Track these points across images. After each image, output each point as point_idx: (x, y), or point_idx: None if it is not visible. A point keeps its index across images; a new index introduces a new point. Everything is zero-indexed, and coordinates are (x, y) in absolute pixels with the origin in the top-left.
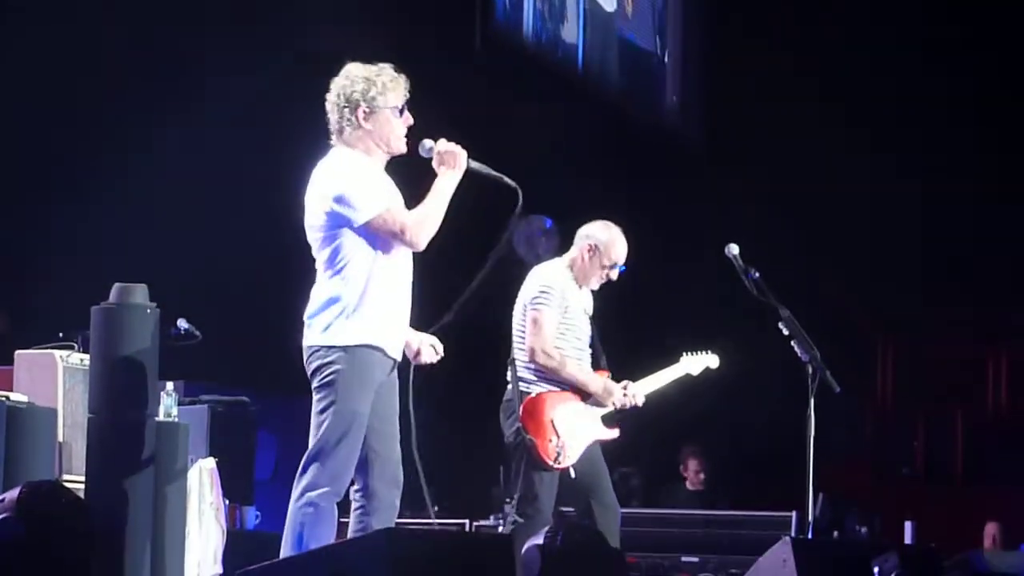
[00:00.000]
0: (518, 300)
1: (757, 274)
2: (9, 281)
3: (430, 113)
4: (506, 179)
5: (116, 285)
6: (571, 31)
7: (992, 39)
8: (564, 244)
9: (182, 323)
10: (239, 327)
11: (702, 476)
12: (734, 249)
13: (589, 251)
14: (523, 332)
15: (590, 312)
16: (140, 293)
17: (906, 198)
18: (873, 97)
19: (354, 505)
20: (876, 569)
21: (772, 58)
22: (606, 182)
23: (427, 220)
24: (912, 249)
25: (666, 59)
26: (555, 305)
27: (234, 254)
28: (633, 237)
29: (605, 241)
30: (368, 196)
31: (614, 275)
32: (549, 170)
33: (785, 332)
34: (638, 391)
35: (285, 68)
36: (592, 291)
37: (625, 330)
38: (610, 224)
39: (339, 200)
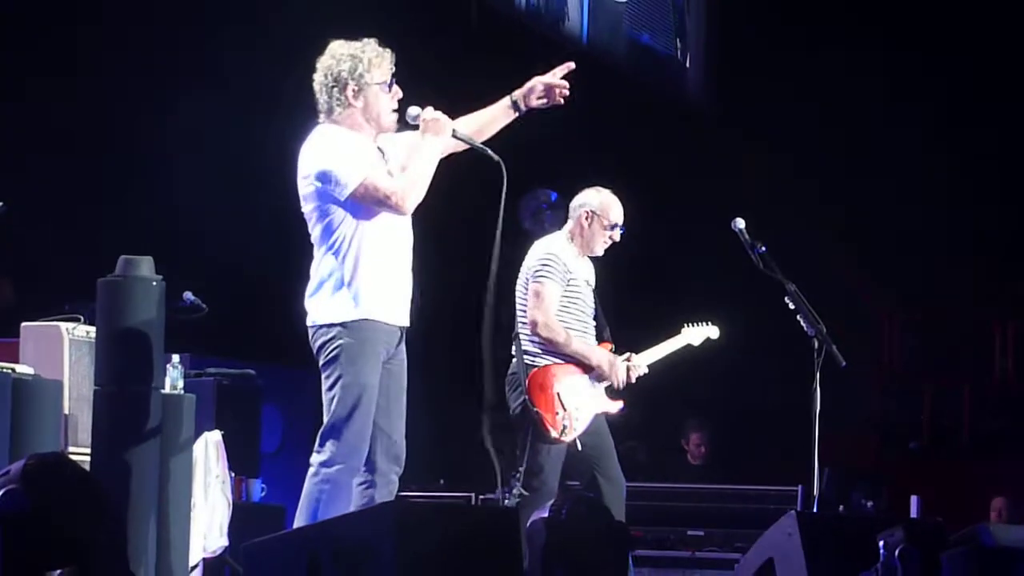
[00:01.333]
0: (520, 273)
1: (764, 248)
2: (14, 252)
3: (430, 88)
4: (489, 152)
5: (122, 257)
6: (574, 26)
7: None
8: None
9: (188, 295)
10: (244, 300)
11: (703, 450)
12: (740, 223)
13: (587, 218)
14: (526, 305)
15: (593, 283)
16: (146, 265)
17: (913, 171)
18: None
19: (358, 479)
20: (882, 543)
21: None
22: (610, 154)
23: (411, 185)
24: (918, 220)
25: (688, 63)
26: (557, 277)
27: (238, 226)
28: (638, 209)
29: (600, 204)
30: (348, 168)
31: (616, 236)
32: (552, 143)
33: (791, 306)
34: (640, 362)
35: (287, 47)
36: (594, 261)
37: (628, 301)
38: (600, 188)
39: (321, 177)
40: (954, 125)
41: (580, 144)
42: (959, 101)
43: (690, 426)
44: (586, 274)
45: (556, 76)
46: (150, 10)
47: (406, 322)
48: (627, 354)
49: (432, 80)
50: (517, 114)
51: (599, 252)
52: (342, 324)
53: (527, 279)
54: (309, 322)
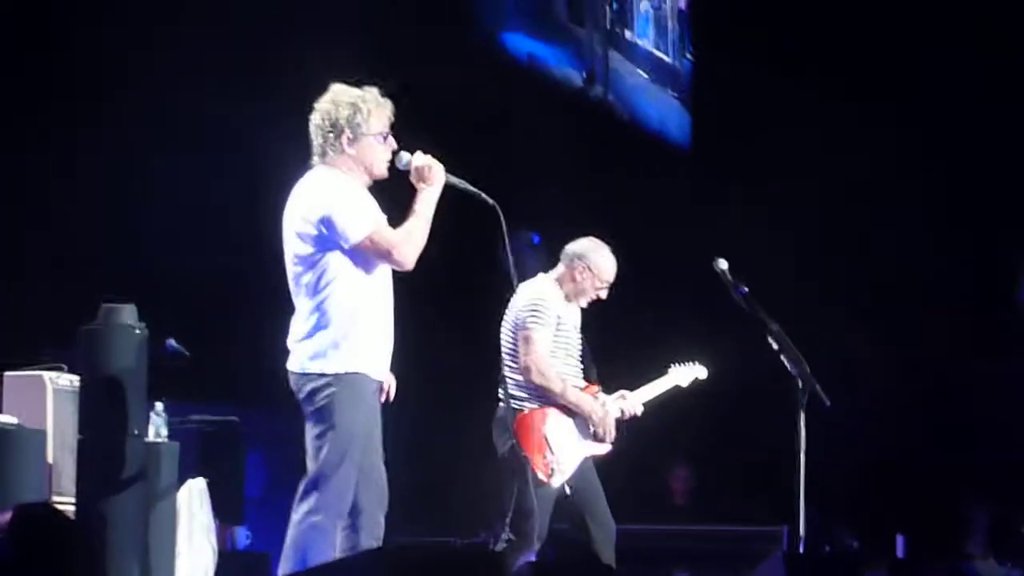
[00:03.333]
0: (506, 317)
1: (746, 289)
2: None
3: (418, 119)
4: (483, 195)
5: (104, 305)
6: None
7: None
8: (551, 259)
9: (171, 342)
10: (226, 345)
11: (686, 487)
12: (722, 264)
13: (581, 272)
14: (513, 350)
15: (579, 326)
16: (128, 313)
17: (899, 206)
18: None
19: (340, 524)
20: None
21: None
22: (593, 193)
23: (413, 238)
24: (894, 267)
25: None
26: (547, 322)
27: (219, 272)
28: (621, 248)
29: (597, 265)
30: (356, 217)
31: (604, 294)
32: (535, 181)
33: (775, 346)
34: (635, 400)
35: (270, 85)
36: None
37: (615, 342)
38: (599, 243)
39: (326, 222)
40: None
41: (560, 183)
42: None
43: (673, 466)
44: (573, 318)
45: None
46: (123, 59)
47: (384, 378)
48: (621, 392)
49: (423, 114)
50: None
51: (583, 304)
52: (335, 375)
53: (515, 324)
54: (297, 368)
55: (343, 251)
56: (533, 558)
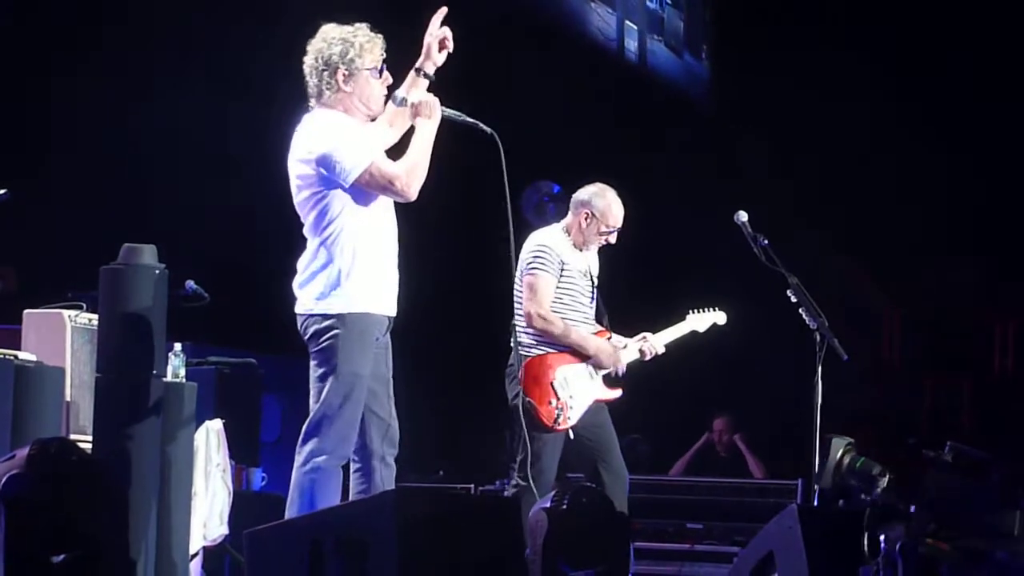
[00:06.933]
0: (517, 265)
1: (766, 241)
2: (17, 239)
3: (442, 72)
4: (481, 125)
5: (125, 246)
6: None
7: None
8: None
9: (190, 284)
10: (245, 289)
11: (727, 438)
12: (743, 216)
13: (586, 219)
14: (521, 297)
15: (595, 272)
16: (148, 253)
17: (915, 164)
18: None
19: (353, 467)
20: (882, 537)
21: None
22: (615, 143)
23: (415, 169)
24: (919, 214)
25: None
26: (551, 268)
27: (240, 216)
28: (643, 199)
29: (601, 208)
30: (353, 154)
31: (612, 239)
32: (558, 131)
33: (793, 299)
34: (656, 342)
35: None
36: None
37: (630, 292)
38: (605, 188)
39: (323, 162)
40: (955, 122)
41: (582, 135)
42: (962, 97)
43: (716, 418)
44: (582, 264)
45: (438, 28)
46: (150, 8)
47: (394, 312)
48: (643, 334)
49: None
50: (428, 80)
51: (593, 250)
52: (338, 315)
53: (522, 271)
54: (301, 309)
55: (344, 190)
56: (548, 504)
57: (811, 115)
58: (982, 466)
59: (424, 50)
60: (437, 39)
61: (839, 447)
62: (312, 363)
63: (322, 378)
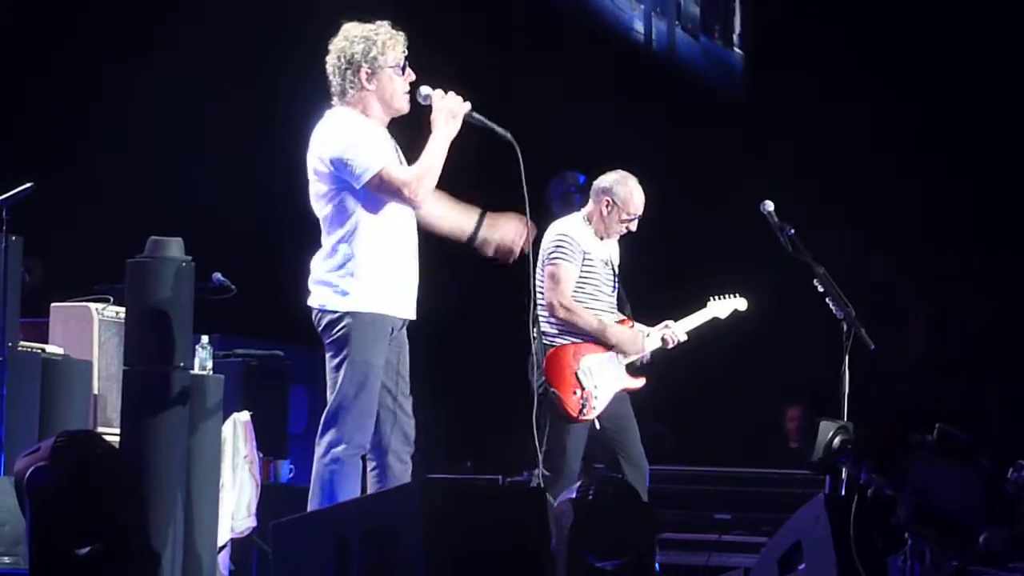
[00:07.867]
0: (539, 254)
1: (792, 231)
2: (43, 232)
3: (457, 61)
4: (500, 130)
5: (151, 238)
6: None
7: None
8: None
9: (217, 276)
10: (272, 281)
11: (797, 425)
12: (769, 206)
13: (607, 206)
14: (543, 287)
15: (616, 261)
16: (175, 246)
17: (940, 155)
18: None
19: (369, 465)
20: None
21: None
22: (641, 130)
23: (425, 176)
24: (946, 206)
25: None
26: (572, 258)
27: (266, 208)
28: (667, 187)
29: (623, 197)
30: (365, 157)
31: (633, 227)
32: (584, 119)
33: (820, 289)
34: (679, 329)
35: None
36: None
37: (656, 277)
38: (626, 175)
39: (336, 162)
40: (989, 117)
41: (608, 125)
42: (964, 97)
43: (787, 406)
44: (603, 253)
45: (513, 236)
46: (170, 8)
47: (412, 314)
48: (665, 321)
49: (462, 54)
50: (468, 240)
51: (614, 238)
52: (351, 313)
53: (543, 261)
54: (314, 303)
55: (356, 191)
56: (573, 495)
57: (839, 110)
58: (970, 450)
59: (487, 237)
60: (504, 243)
61: (829, 429)
62: (327, 355)
63: (336, 368)
